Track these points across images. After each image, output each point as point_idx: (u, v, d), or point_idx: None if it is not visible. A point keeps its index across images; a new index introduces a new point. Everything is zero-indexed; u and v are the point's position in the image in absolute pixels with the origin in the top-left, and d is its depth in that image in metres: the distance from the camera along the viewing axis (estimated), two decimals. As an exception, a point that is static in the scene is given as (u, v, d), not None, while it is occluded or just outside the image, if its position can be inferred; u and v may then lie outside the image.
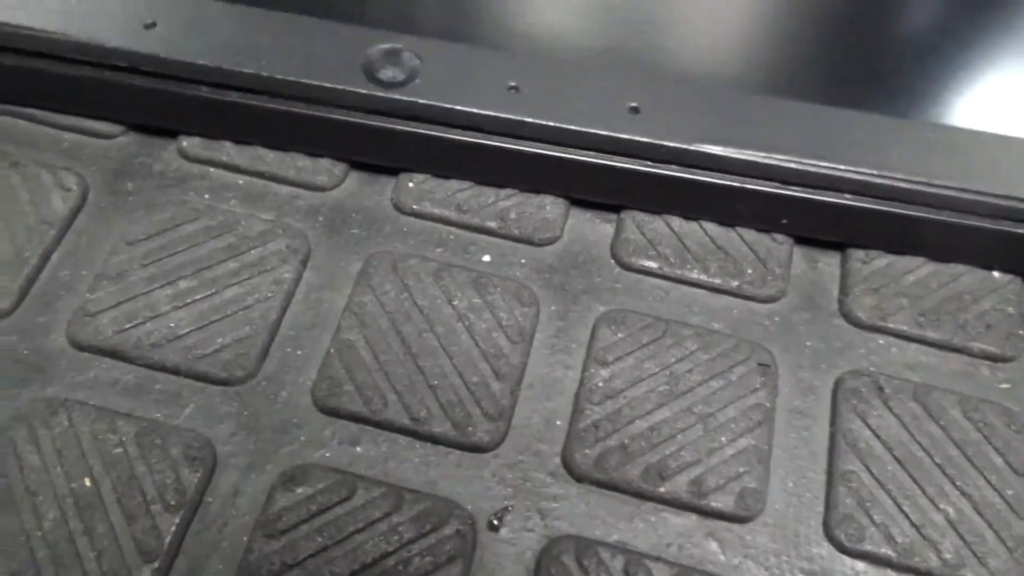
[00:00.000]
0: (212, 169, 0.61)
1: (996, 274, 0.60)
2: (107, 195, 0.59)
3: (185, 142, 0.61)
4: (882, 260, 0.60)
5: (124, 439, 0.50)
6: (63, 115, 0.62)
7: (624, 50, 0.63)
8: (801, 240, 0.61)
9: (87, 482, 0.49)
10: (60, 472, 0.49)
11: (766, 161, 0.56)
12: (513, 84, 0.58)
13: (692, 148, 0.57)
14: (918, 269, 0.60)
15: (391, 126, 0.58)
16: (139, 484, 0.49)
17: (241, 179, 0.61)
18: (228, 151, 0.61)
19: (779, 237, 0.60)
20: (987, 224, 0.57)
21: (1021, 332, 0.58)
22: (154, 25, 0.58)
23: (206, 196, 0.59)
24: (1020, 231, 0.57)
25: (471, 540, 0.49)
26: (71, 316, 0.54)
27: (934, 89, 0.64)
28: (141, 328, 0.54)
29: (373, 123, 0.58)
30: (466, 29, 0.61)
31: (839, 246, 0.61)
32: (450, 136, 0.58)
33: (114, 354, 0.53)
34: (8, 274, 0.55)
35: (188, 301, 0.55)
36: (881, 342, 0.58)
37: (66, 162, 0.60)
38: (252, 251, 0.57)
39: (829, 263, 0.60)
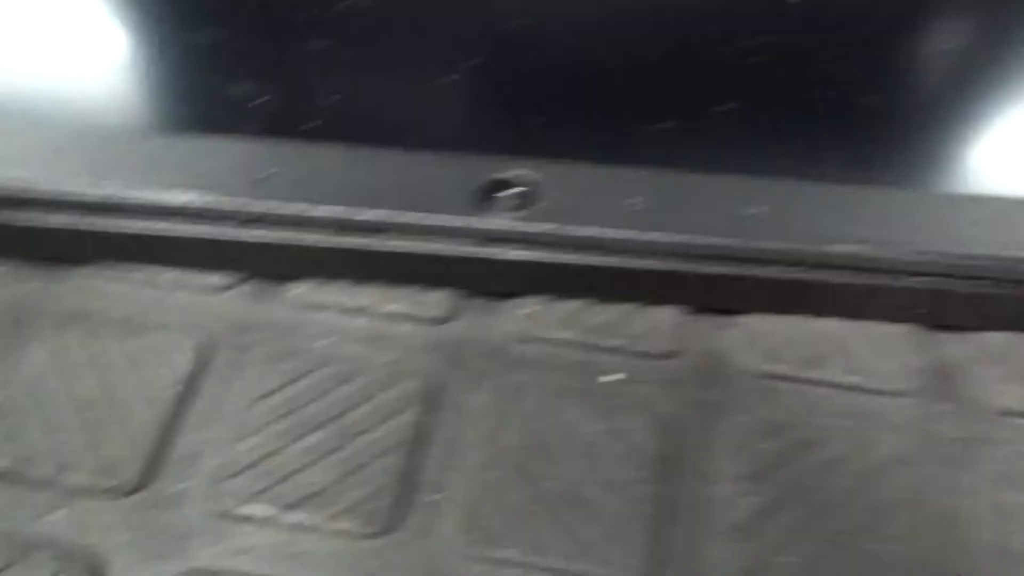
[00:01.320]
0: (328, 314, 0.61)
1: None
2: (228, 351, 0.59)
3: (301, 288, 0.61)
4: (1017, 342, 0.58)
5: (275, 607, 0.49)
6: (174, 272, 0.63)
7: (750, 142, 0.63)
8: (932, 327, 0.59)
9: (249, 655, 0.48)
10: (221, 647, 0.48)
11: (896, 256, 0.56)
12: (631, 201, 0.58)
13: (820, 249, 0.56)
14: (1051, 348, 0.58)
15: (508, 255, 0.58)
16: (298, 653, 0.48)
17: (359, 320, 0.61)
18: (343, 293, 0.61)
19: (907, 327, 0.59)
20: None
21: None
22: (267, 179, 0.59)
23: (323, 342, 0.60)
24: None
25: None
26: (207, 481, 0.54)
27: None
28: (279, 488, 0.53)
29: (489, 252, 0.59)
30: (580, 149, 0.61)
31: (963, 329, 0.59)
32: (567, 259, 0.58)
33: (254, 519, 0.52)
34: (138, 444, 0.55)
35: (323, 453, 0.54)
36: (1020, 423, 0.56)
37: (182, 321, 0.60)
38: (380, 395, 0.57)
39: (961, 349, 0.59)
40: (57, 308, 0.61)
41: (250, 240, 0.59)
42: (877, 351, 0.58)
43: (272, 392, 0.57)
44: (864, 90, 0.68)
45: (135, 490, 0.54)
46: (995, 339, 0.59)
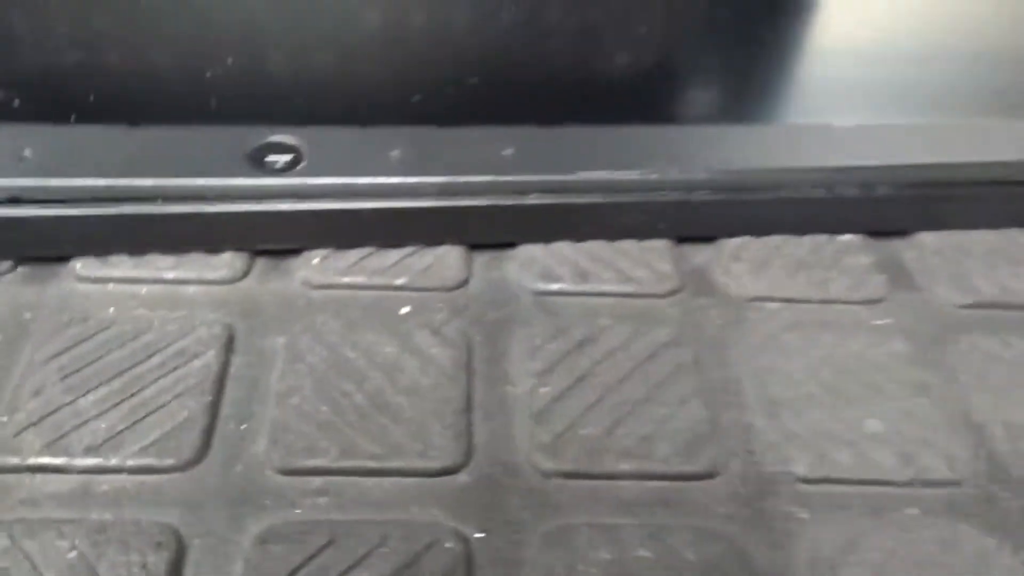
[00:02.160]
0: (112, 285, 0.60)
1: (843, 237, 0.68)
2: (5, 327, 0.57)
3: (79, 264, 0.60)
4: (750, 243, 0.67)
5: (77, 542, 0.47)
6: (-63, 266, 0.60)
7: (493, 106, 0.69)
8: (679, 240, 0.67)
9: (47, 592, 0.45)
10: (13, 590, 0.45)
11: (635, 177, 0.63)
12: (393, 153, 0.62)
13: (570, 177, 0.63)
14: (781, 246, 0.67)
15: (285, 208, 0.61)
16: (105, 581, 0.45)
17: (144, 288, 0.60)
18: (125, 265, 0.61)
19: (658, 243, 0.66)
20: (825, 195, 0.66)
21: (881, 276, 0.66)
22: (27, 157, 0.59)
23: (111, 310, 0.59)
24: (847, 196, 0.66)
25: (465, 552, 0.48)
26: (-12, 444, 0.51)
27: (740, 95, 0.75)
28: (71, 437, 0.51)
29: (266, 209, 0.61)
30: (343, 114, 0.66)
31: (710, 239, 0.68)
32: (343, 207, 0.62)
33: (46, 468, 0.50)
34: (-91, 418, 0.51)
35: (117, 401, 0.53)
36: (771, 308, 0.64)
37: (-49, 308, 0.58)
38: (173, 344, 0.56)
39: (706, 255, 0.67)
40: None
41: (18, 218, 0.58)
42: (638, 263, 0.65)
43: (54, 356, 0.55)
44: (592, 55, 0.77)
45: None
46: (732, 243, 0.67)
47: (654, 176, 0.64)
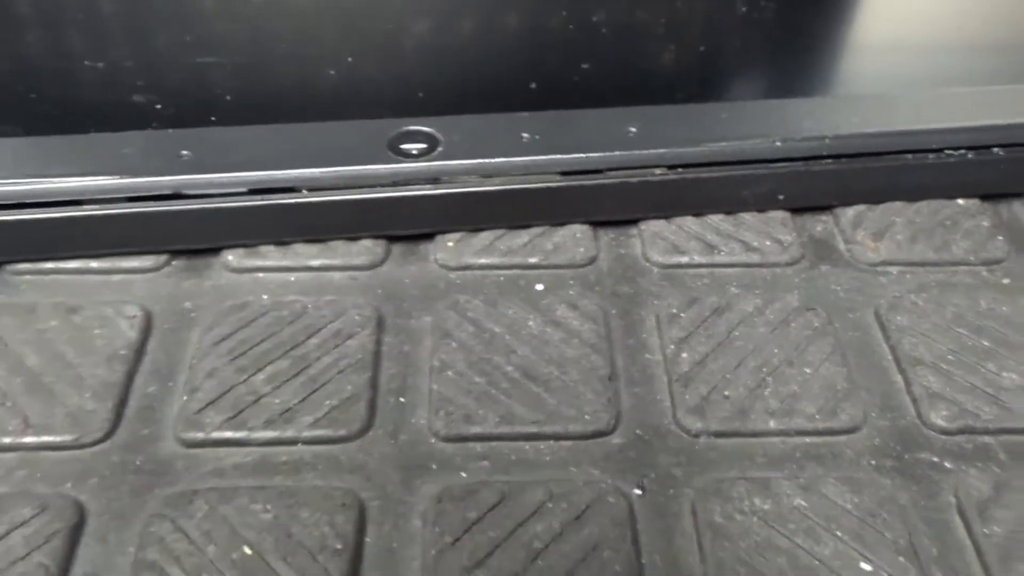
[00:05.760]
0: (262, 275, 0.64)
1: (960, 201, 0.69)
2: (170, 315, 0.61)
3: (230, 255, 0.64)
4: (867, 211, 0.68)
5: (269, 506, 0.50)
6: (101, 260, 0.64)
7: (619, 88, 0.72)
8: (795, 211, 0.69)
9: (247, 550, 0.48)
10: (215, 549, 0.48)
11: (760, 146, 0.65)
12: (524, 135, 0.65)
13: (693, 149, 0.65)
14: (900, 211, 0.68)
15: (421, 192, 0.64)
16: (298, 540, 0.48)
17: (293, 276, 0.64)
18: (272, 255, 0.64)
19: (778, 213, 0.68)
20: (943, 160, 0.68)
21: (1000, 238, 0.67)
22: (185, 157, 0.62)
23: (265, 297, 0.62)
24: (969, 157, 0.67)
25: (627, 508, 0.51)
26: (174, 420, 0.54)
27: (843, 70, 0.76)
28: (248, 412, 0.55)
29: (404, 194, 0.64)
30: (474, 103, 0.69)
31: (827, 208, 0.69)
32: (475, 190, 0.64)
33: (229, 442, 0.53)
34: (99, 401, 0.55)
35: (285, 379, 0.56)
36: (895, 272, 0.65)
37: (121, 296, 0.62)
38: (329, 326, 0.60)
39: (825, 223, 0.68)
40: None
41: (176, 212, 0.62)
42: (760, 234, 0.67)
43: (221, 340, 0.59)
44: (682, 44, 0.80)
45: (104, 438, 0.54)
46: (850, 212, 0.69)
47: (776, 144, 0.66)
